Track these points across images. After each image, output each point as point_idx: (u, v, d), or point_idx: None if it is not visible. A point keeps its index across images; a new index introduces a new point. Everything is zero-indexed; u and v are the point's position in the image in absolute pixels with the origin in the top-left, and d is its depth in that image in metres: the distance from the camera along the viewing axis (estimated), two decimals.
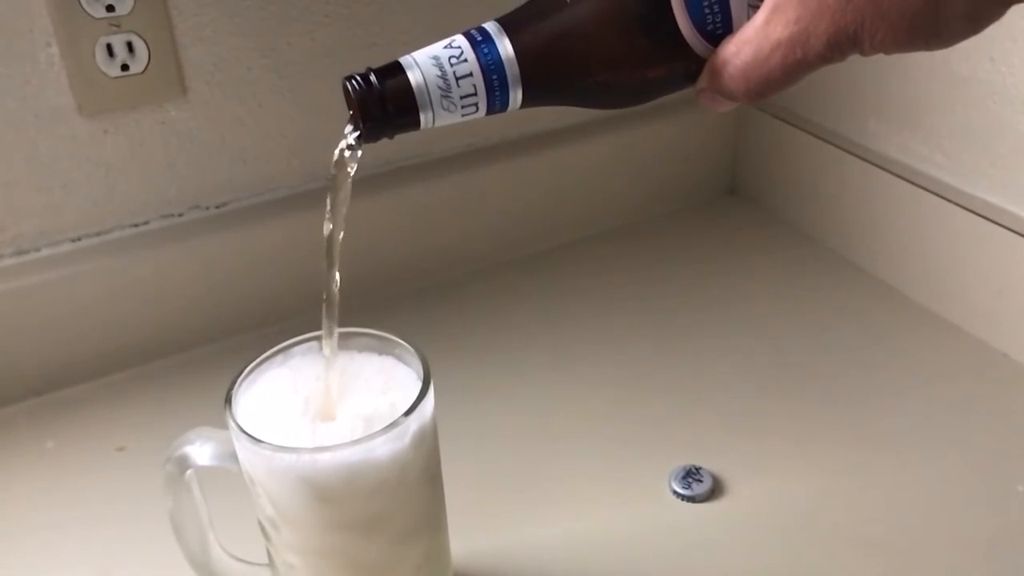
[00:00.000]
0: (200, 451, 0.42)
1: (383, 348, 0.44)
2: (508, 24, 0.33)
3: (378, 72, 0.33)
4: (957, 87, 0.65)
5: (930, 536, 0.52)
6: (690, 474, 0.56)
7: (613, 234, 0.83)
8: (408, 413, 0.39)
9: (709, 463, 0.56)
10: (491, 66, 0.33)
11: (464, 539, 0.49)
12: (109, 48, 0.60)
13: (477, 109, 0.33)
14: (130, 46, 0.61)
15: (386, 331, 0.44)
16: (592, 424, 0.61)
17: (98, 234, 0.66)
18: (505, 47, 0.33)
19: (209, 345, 0.69)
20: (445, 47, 0.33)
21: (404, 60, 0.33)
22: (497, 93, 0.33)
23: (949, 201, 0.67)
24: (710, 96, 0.35)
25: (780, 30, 0.32)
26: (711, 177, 0.88)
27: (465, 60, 0.32)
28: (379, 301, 0.73)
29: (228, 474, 0.42)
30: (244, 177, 0.69)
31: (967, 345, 0.67)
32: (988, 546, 0.51)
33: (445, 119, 0.33)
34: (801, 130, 0.79)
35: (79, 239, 0.66)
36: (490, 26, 0.33)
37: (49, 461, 0.60)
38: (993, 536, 0.52)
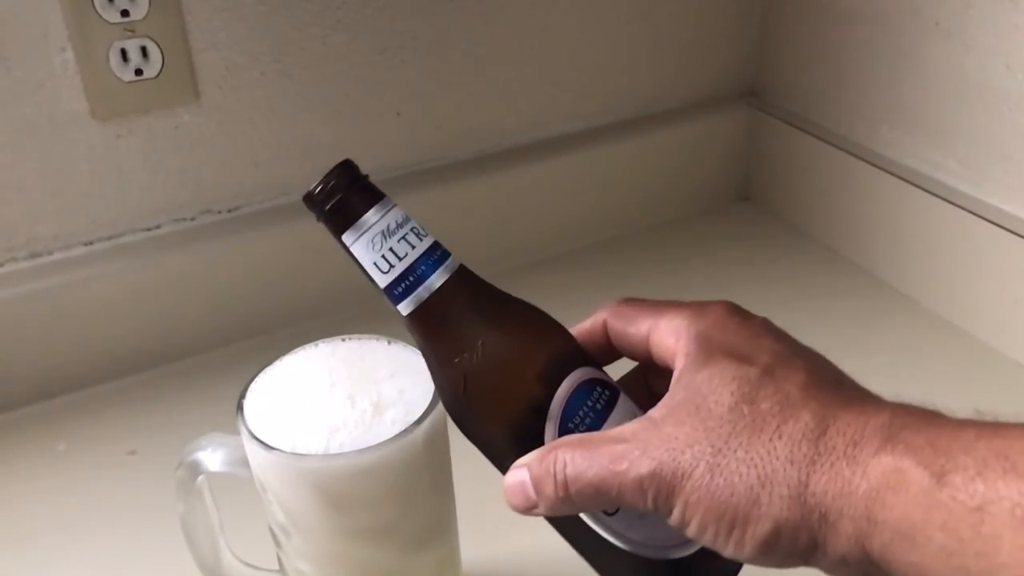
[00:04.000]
0: (212, 457, 0.42)
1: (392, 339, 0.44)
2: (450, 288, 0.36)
3: (360, 183, 0.36)
4: (972, 94, 0.65)
5: None
6: None
7: (624, 240, 0.82)
8: (420, 420, 0.39)
9: None
10: (420, 269, 0.35)
11: (475, 546, 0.49)
12: (123, 53, 0.61)
13: (385, 271, 0.35)
14: (144, 51, 0.61)
15: (396, 336, 0.44)
16: None
17: (110, 238, 0.66)
18: (438, 279, 0.36)
19: (220, 349, 0.69)
20: (411, 228, 0.36)
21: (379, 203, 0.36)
22: (408, 280, 0.35)
23: (963, 208, 0.67)
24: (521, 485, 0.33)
25: (630, 433, 0.31)
26: (723, 183, 0.88)
27: (412, 246, 0.35)
28: (386, 308, 0.73)
29: (239, 480, 0.42)
30: (256, 181, 0.69)
31: (980, 353, 0.66)
32: None
33: (359, 250, 0.35)
34: (814, 136, 0.79)
35: (91, 243, 0.66)
36: (448, 261, 0.37)
37: (60, 464, 0.61)
38: None
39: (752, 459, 0.29)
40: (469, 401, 0.35)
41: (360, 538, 0.40)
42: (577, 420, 0.34)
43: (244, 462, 0.41)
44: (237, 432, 0.40)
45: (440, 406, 0.40)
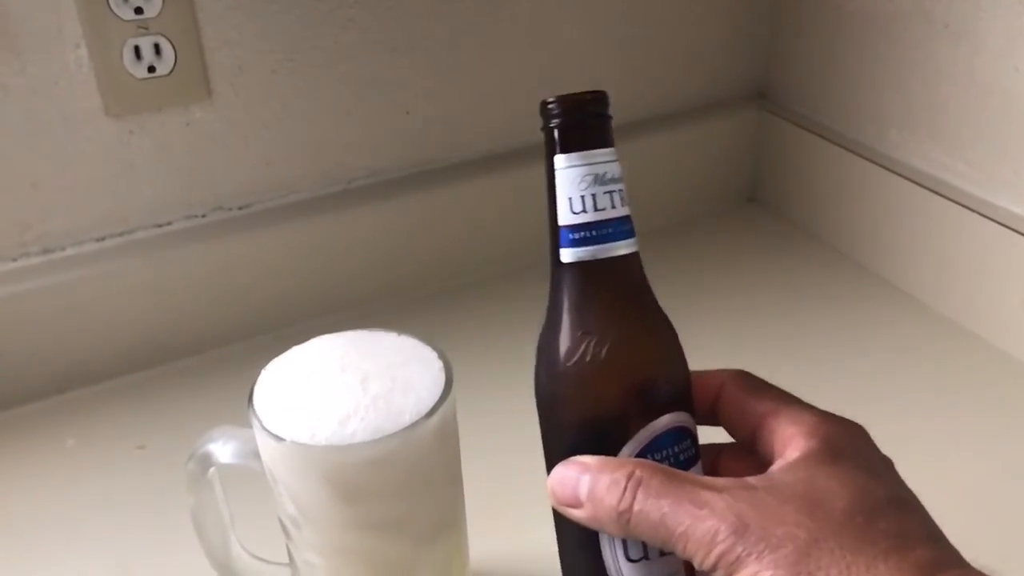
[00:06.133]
0: (223, 449, 0.42)
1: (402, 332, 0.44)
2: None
3: (609, 118, 0.35)
4: (980, 96, 0.65)
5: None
6: None
7: None
8: (431, 413, 0.39)
9: None
10: (608, 230, 0.34)
11: (481, 541, 0.49)
12: (137, 50, 0.61)
13: (576, 211, 0.33)
14: (157, 48, 0.62)
15: (406, 331, 0.44)
16: None
17: (122, 234, 0.67)
18: (619, 248, 0.34)
19: (230, 346, 0.70)
20: (620, 189, 0.34)
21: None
22: (592, 231, 0.34)
23: (972, 210, 0.67)
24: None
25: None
26: (731, 184, 0.88)
27: (613, 205, 0.34)
28: (399, 304, 0.73)
29: (249, 474, 0.42)
30: (267, 179, 0.70)
31: (987, 354, 0.66)
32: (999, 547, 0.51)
33: (566, 176, 0.34)
34: (822, 138, 0.79)
35: (103, 239, 0.66)
36: (633, 239, 0.35)
37: (69, 458, 0.61)
38: (1004, 534, 0.51)
39: (849, 564, 0.28)
40: (569, 377, 0.34)
41: (370, 530, 0.40)
42: (658, 457, 0.33)
43: (255, 454, 0.41)
44: (248, 427, 0.40)
45: (451, 397, 0.40)
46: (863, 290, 0.75)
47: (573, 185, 0.33)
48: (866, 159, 0.75)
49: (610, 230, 0.33)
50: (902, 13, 0.69)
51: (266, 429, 0.39)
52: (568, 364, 0.33)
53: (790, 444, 0.32)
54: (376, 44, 0.69)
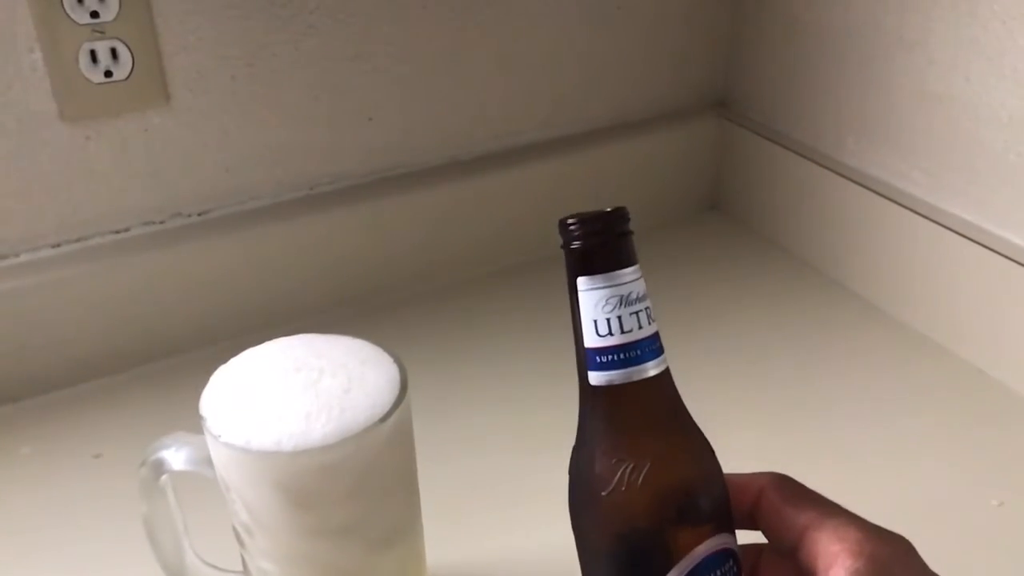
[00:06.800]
0: (176, 455, 0.41)
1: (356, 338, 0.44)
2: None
3: (630, 236, 0.34)
4: (933, 106, 0.66)
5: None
6: None
7: None
8: (385, 418, 0.39)
9: None
10: (637, 351, 0.33)
11: (440, 548, 0.49)
12: (93, 54, 0.60)
13: (603, 334, 0.32)
14: (114, 52, 0.61)
15: (363, 338, 0.44)
16: (570, 434, 0.61)
17: (78, 240, 0.66)
18: (650, 369, 0.33)
19: (188, 353, 0.69)
20: (647, 307, 0.33)
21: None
22: (620, 354, 0.33)
23: (926, 218, 0.68)
24: None
25: None
26: (693, 192, 0.89)
27: (640, 325, 0.33)
28: (357, 311, 0.73)
29: (204, 482, 0.41)
30: (226, 185, 0.69)
31: (941, 358, 0.67)
32: (967, 558, 0.51)
33: (590, 299, 0.33)
34: (782, 146, 0.80)
35: (59, 245, 0.65)
36: (663, 357, 0.34)
37: (25, 467, 0.60)
38: (971, 549, 0.52)
39: None
40: (607, 507, 0.33)
41: (324, 537, 0.40)
42: None
43: (208, 461, 0.41)
44: (202, 433, 0.40)
45: (406, 401, 0.40)
46: (820, 294, 0.76)
47: (598, 308, 0.32)
48: (824, 167, 0.76)
49: (638, 351, 0.32)
50: (858, 24, 0.71)
51: (215, 435, 0.38)
52: (604, 494, 0.33)
53: (835, 563, 0.31)
54: (337, 50, 0.69)
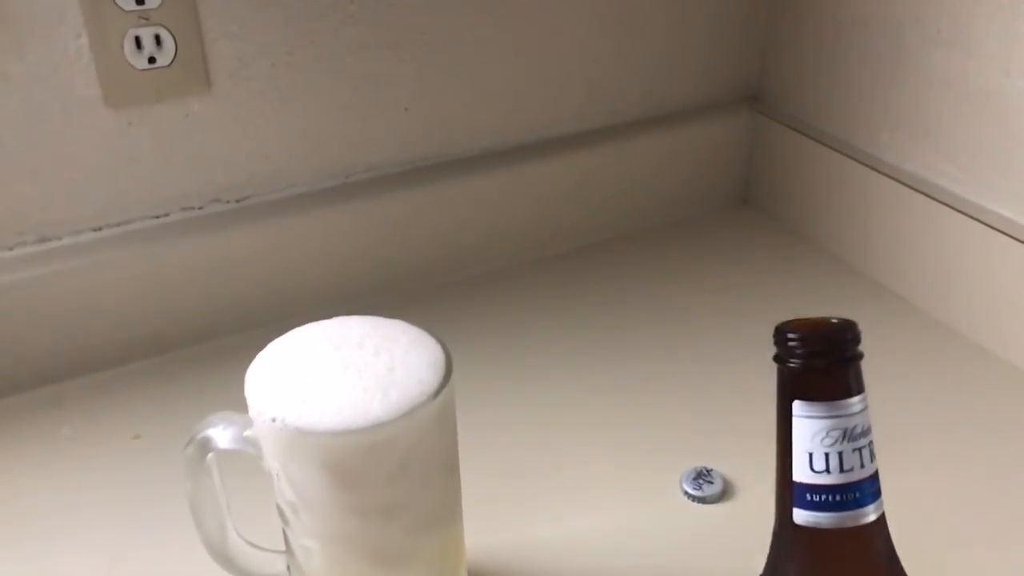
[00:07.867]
0: (222, 434, 0.42)
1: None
2: None
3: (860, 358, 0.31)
4: (971, 100, 0.66)
5: (938, 535, 0.52)
6: (701, 475, 0.56)
7: (625, 241, 0.83)
8: (431, 399, 0.39)
9: (720, 465, 0.57)
10: (856, 493, 0.29)
11: (477, 532, 0.49)
12: (137, 41, 0.61)
13: (818, 469, 0.29)
14: (158, 39, 0.62)
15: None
16: (605, 425, 0.62)
17: (119, 224, 0.67)
18: (867, 514, 0.29)
19: (226, 337, 0.70)
20: (870, 442, 0.30)
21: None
22: (836, 495, 0.29)
23: (963, 213, 0.67)
24: None
25: None
26: (724, 187, 0.88)
27: (862, 464, 0.29)
28: (392, 297, 0.74)
29: (244, 462, 0.42)
30: (265, 172, 0.70)
31: (977, 357, 0.67)
32: (997, 547, 0.51)
33: (807, 427, 0.29)
34: (815, 141, 0.80)
35: (100, 228, 0.66)
36: (880, 500, 0.30)
37: (65, 448, 0.61)
38: (996, 538, 0.52)
39: None
40: None
41: (368, 516, 0.41)
42: None
43: (253, 440, 0.41)
44: (247, 413, 0.40)
45: (452, 381, 0.40)
46: (852, 290, 0.76)
47: (816, 439, 0.29)
48: (858, 162, 0.76)
49: (857, 494, 0.28)
50: (895, 17, 0.70)
51: (263, 413, 0.39)
52: None
53: None
54: (376, 40, 0.69)
